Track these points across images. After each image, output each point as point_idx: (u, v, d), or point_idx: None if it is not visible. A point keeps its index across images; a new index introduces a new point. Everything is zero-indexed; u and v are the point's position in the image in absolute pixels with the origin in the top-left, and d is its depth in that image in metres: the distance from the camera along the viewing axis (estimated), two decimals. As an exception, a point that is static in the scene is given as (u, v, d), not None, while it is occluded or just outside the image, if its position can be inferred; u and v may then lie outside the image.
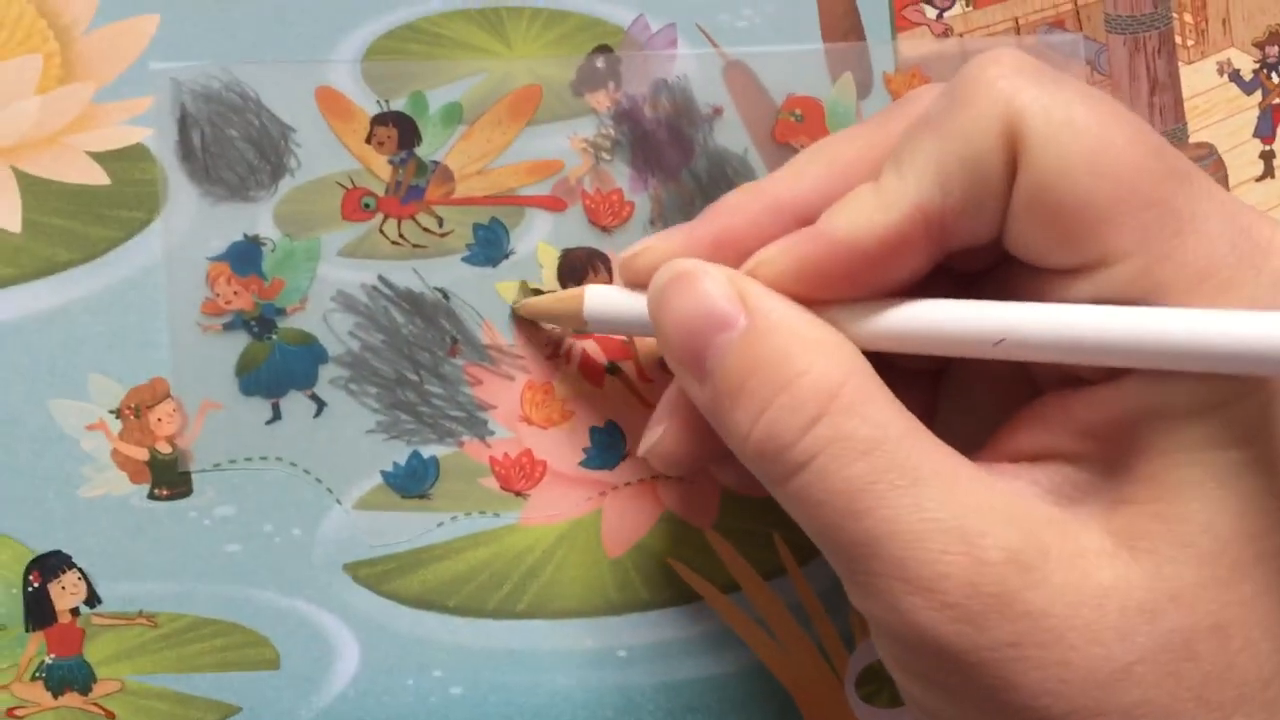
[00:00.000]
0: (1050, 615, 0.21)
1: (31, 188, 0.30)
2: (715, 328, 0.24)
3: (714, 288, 0.24)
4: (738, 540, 0.32)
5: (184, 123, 0.30)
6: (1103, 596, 0.22)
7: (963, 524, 0.22)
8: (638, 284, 0.27)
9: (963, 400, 0.28)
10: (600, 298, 0.28)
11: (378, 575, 0.31)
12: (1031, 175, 0.22)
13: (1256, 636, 0.22)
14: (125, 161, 0.30)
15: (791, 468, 0.23)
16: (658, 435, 0.28)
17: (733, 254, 0.26)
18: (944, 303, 0.24)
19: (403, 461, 0.31)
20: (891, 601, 0.22)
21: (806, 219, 0.25)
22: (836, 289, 0.24)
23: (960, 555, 0.22)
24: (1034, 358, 0.23)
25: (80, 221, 0.30)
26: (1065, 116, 0.22)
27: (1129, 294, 0.22)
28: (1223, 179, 0.34)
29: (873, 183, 0.24)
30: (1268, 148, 0.35)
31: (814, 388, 0.23)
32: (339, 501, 0.30)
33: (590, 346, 0.32)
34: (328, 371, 0.31)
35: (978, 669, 0.22)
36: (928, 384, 0.28)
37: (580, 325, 0.29)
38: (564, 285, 0.31)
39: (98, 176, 0.30)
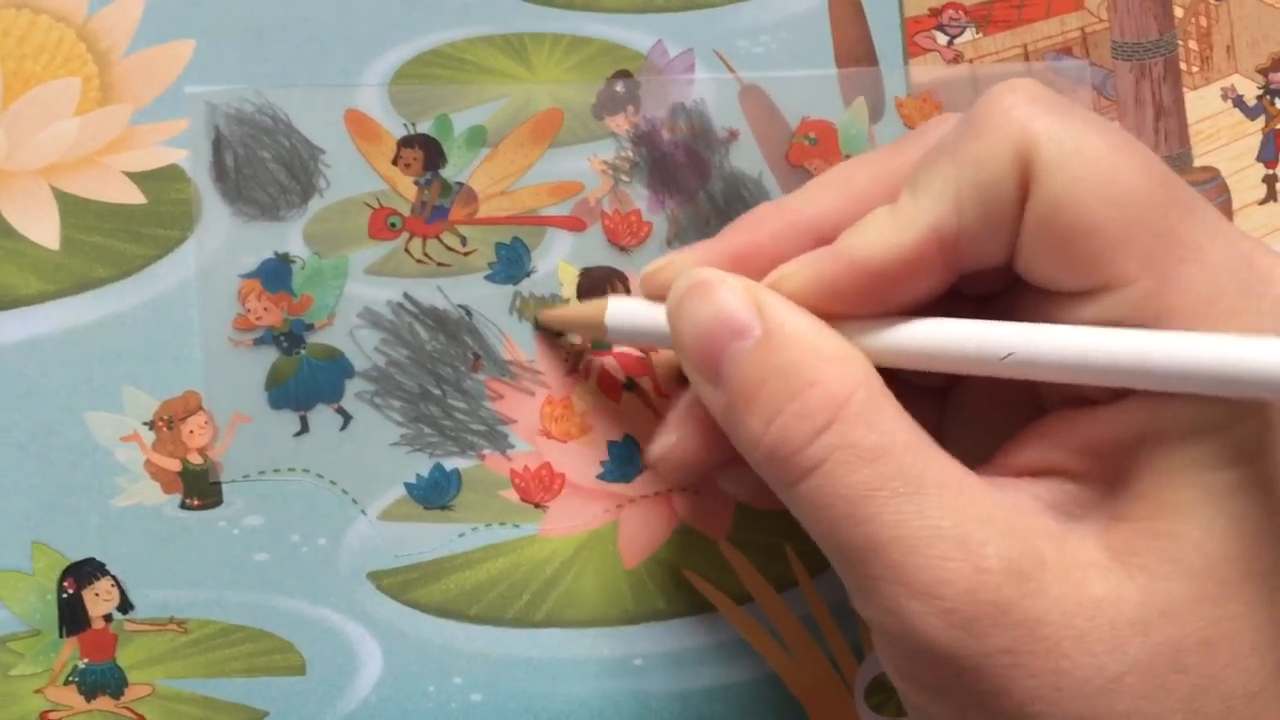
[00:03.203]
0: (1045, 624, 0.22)
1: (70, 206, 0.31)
2: (731, 335, 0.25)
3: (731, 296, 0.25)
4: (751, 552, 0.33)
5: (218, 144, 0.31)
6: (1096, 608, 0.22)
7: (964, 532, 0.22)
8: (659, 297, 0.28)
9: (966, 419, 0.28)
10: (622, 308, 0.29)
11: (401, 584, 0.31)
12: (1043, 200, 0.23)
13: (1243, 652, 0.23)
14: (161, 181, 0.31)
15: (799, 472, 0.24)
16: (670, 442, 0.29)
17: (752, 270, 0.26)
18: (956, 321, 0.25)
19: (425, 474, 0.32)
20: (891, 606, 0.23)
21: (824, 239, 0.26)
22: (851, 305, 0.25)
23: (960, 562, 0.22)
24: (1042, 376, 0.24)
25: (117, 239, 0.31)
26: (1077, 145, 0.23)
27: (1134, 318, 0.23)
28: (1226, 203, 0.35)
29: (890, 205, 0.25)
30: (1271, 172, 0.36)
31: (825, 396, 0.23)
32: (364, 512, 0.31)
33: (609, 363, 0.32)
34: (354, 386, 0.31)
35: (973, 675, 0.22)
36: (933, 402, 0.29)
37: (601, 335, 0.30)
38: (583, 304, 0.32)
39: (134, 196, 0.31)
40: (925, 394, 0.29)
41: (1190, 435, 0.23)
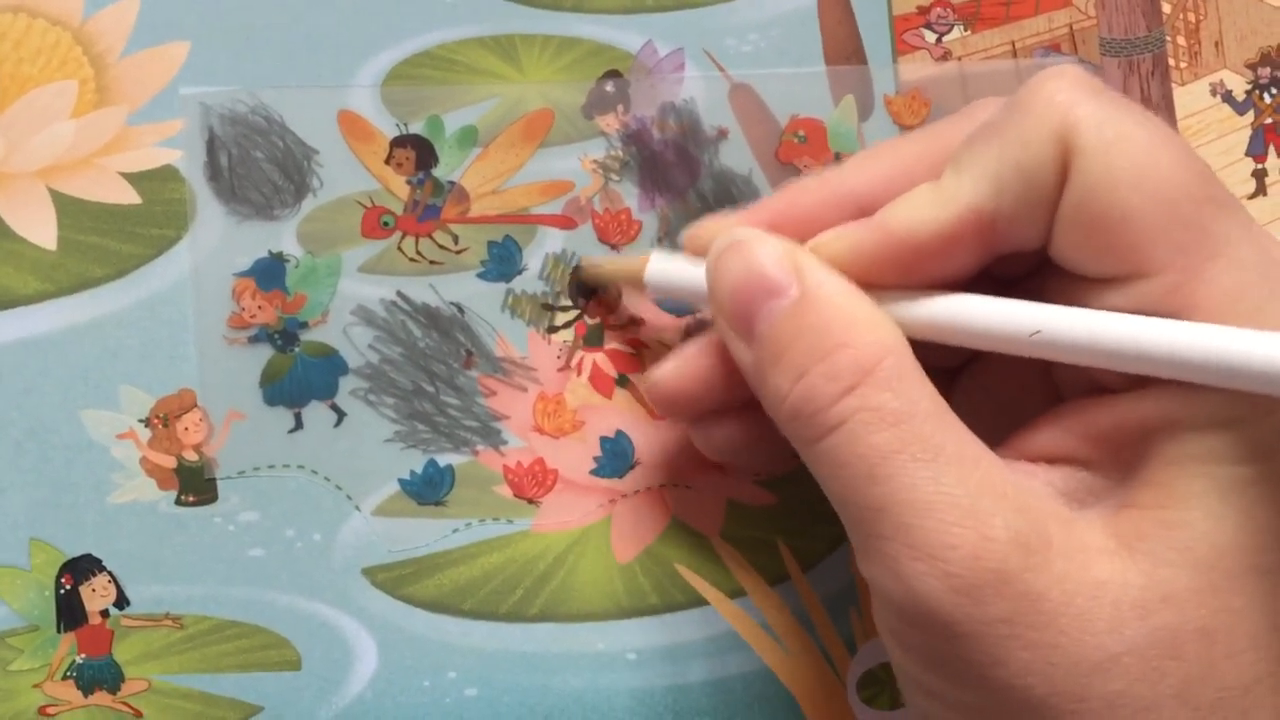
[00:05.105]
0: (1046, 599, 0.22)
1: (66, 207, 0.31)
2: (767, 293, 0.25)
3: (770, 256, 0.25)
4: (743, 547, 0.33)
5: (212, 145, 0.32)
6: (1098, 589, 0.22)
7: (975, 503, 0.23)
8: (700, 255, 0.28)
9: (974, 404, 0.29)
10: (662, 264, 0.29)
11: (395, 579, 0.32)
12: (1080, 185, 0.24)
13: (1241, 645, 0.23)
14: (156, 182, 0.31)
15: (822, 430, 0.24)
16: (673, 368, 0.29)
17: (792, 236, 0.27)
18: (985, 297, 0.25)
19: (419, 470, 0.32)
20: (895, 567, 0.23)
21: (865, 211, 0.26)
22: (886, 277, 0.25)
23: (967, 529, 0.22)
24: (1066, 357, 0.24)
25: (112, 239, 0.31)
26: (1117, 133, 0.23)
27: (1159, 308, 0.23)
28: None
29: (932, 181, 0.25)
30: (1260, 166, 0.36)
31: (853, 359, 0.24)
32: (358, 508, 0.32)
33: (600, 359, 0.33)
34: (348, 383, 0.32)
35: (969, 642, 0.22)
36: (944, 382, 0.29)
37: (639, 288, 0.30)
38: (575, 301, 0.33)
39: (129, 196, 0.31)
40: (934, 376, 0.29)
41: (1207, 427, 0.23)
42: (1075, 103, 0.24)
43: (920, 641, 0.24)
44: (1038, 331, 0.24)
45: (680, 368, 0.29)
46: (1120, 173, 0.23)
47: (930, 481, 0.23)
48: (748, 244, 0.26)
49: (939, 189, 0.25)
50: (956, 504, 0.23)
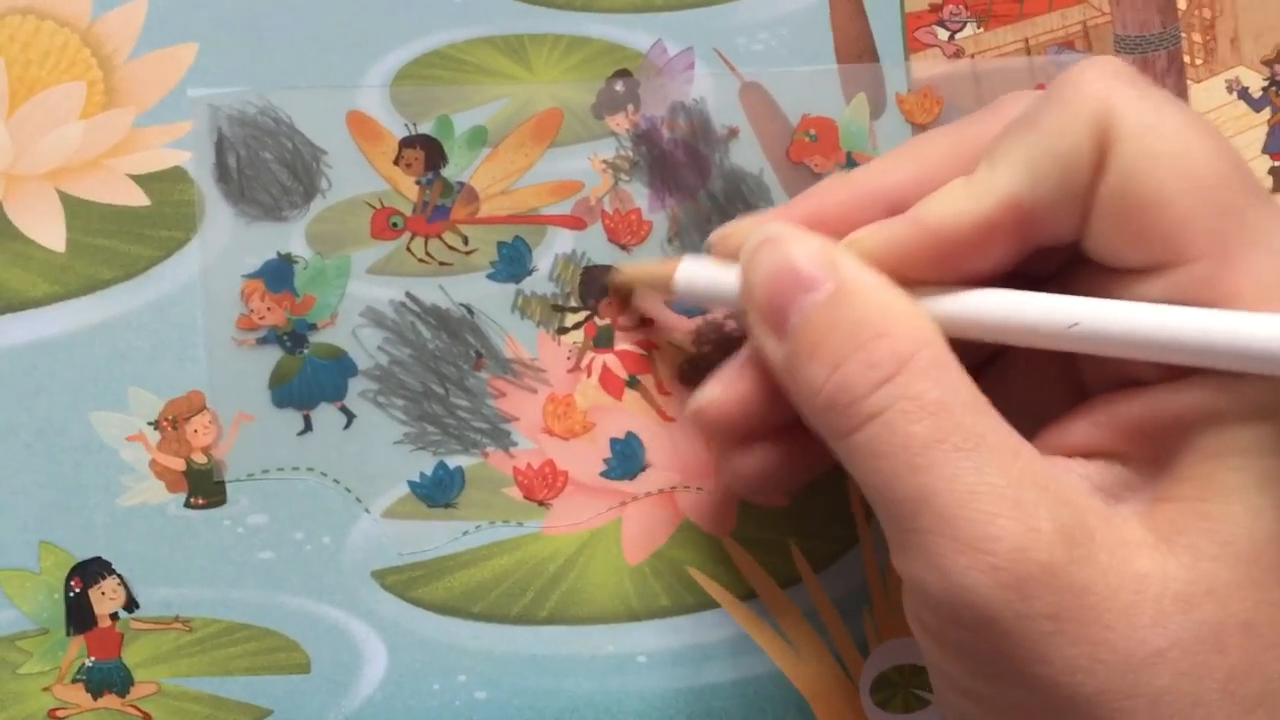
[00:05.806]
0: (1092, 593, 0.22)
1: (75, 209, 0.31)
2: (802, 288, 0.25)
3: (803, 251, 0.25)
4: (755, 549, 0.33)
5: (221, 146, 0.32)
6: (1142, 582, 0.22)
7: (1019, 494, 0.22)
8: (729, 258, 0.28)
9: (998, 401, 0.28)
10: (692, 268, 0.29)
11: (405, 582, 0.31)
12: (1118, 170, 0.23)
13: None
14: (164, 183, 0.31)
15: (859, 420, 0.24)
16: (716, 393, 0.28)
17: (823, 235, 0.27)
18: (1021, 292, 0.25)
19: (429, 472, 0.32)
20: (937, 561, 0.22)
21: (894, 210, 0.26)
22: (922, 272, 0.25)
23: (1012, 520, 0.22)
24: (1105, 350, 0.24)
25: (121, 241, 0.31)
26: (1155, 120, 0.23)
27: (1196, 298, 0.23)
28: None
29: (966, 176, 0.25)
30: (1277, 164, 0.35)
31: (891, 349, 0.24)
32: (368, 510, 0.31)
33: (610, 360, 0.32)
34: (357, 384, 0.32)
35: (1014, 638, 0.22)
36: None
37: (669, 293, 0.29)
38: (584, 302, 0.32)
39: (138, 198, 0.31)
40: None
41: (1248, 418, 0.23)
42: (1113, 90, 0.24)
43: (961, 639, 0.23)
44: (1076, 324, 0.24)
45: (725, 390, 0.28)
46: (1158, 158, 0.23)
47: (972, 471, 0.22)
48: (782, 240, 0.26)
49: (974, 182, 0.25)
50: (1001, 495, 0.22)
